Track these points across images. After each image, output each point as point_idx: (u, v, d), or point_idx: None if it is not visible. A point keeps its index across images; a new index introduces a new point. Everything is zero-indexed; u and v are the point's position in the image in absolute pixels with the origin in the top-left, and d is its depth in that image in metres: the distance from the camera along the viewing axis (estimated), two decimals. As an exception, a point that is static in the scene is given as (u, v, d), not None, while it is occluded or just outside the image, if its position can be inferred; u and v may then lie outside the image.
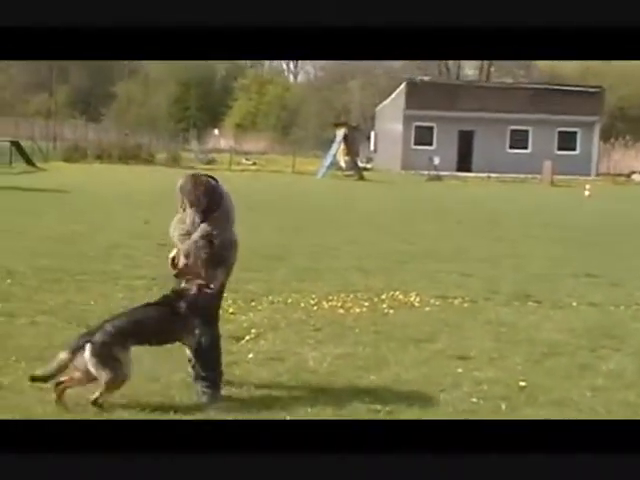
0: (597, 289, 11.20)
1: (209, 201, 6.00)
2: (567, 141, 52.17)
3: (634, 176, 51.04)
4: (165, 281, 7.34)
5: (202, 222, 5.96)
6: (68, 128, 50.78)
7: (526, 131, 52.11)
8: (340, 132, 43.65)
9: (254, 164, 52.96)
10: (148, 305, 6.25)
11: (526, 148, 52.15)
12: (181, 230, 6.10)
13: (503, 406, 5.99)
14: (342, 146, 43.27)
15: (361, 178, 39.76)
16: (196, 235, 5.98)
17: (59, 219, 17.15)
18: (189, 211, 6.03)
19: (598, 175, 51.32)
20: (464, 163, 51.22)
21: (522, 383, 6.53)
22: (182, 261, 6.11)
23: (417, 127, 51.90)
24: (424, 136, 51.84)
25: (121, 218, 17.87)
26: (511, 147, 52.11)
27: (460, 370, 6.95)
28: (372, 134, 60.92)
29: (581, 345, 7.86)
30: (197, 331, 6.12)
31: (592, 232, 19.40)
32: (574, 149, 52.35)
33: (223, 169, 43.03)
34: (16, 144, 34.99)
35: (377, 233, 17.35)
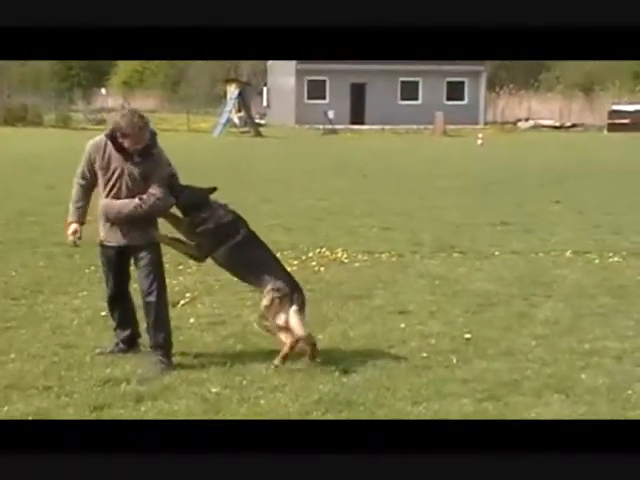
0: (513, 237, 11.52)
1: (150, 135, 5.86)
2: (455, 91, 53.02)
3: (520, 124, 52.46)
4: (86, 247, 7.17)
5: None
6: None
7: (416, 82, 52.66)
8: (234, 88, 43.06)
9: (145, 123, 51.70)
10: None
11: (416, 99, 52.74)
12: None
13: (454, 359, 6.10)
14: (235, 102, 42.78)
15: (258, 134, 39.47)
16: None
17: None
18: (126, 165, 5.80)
19: (486, 124, 52.49)
20: (357, 116, 51.45)
21: (467, 335, 6.67)
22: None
23: (309, 81, 51.78)
24: (317, 90, 51.78)
25: (21, 184, 17.22)
26: (402, 99, 52.60)
27: (403, 325, 7.04)
28: (264, 89, 60.42)
29: (513, 294, 8.08)
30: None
31: (492, 180, 19.89)
32: (462, 99, 53.27)
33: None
34: None
35: (288, 190, 17.30)
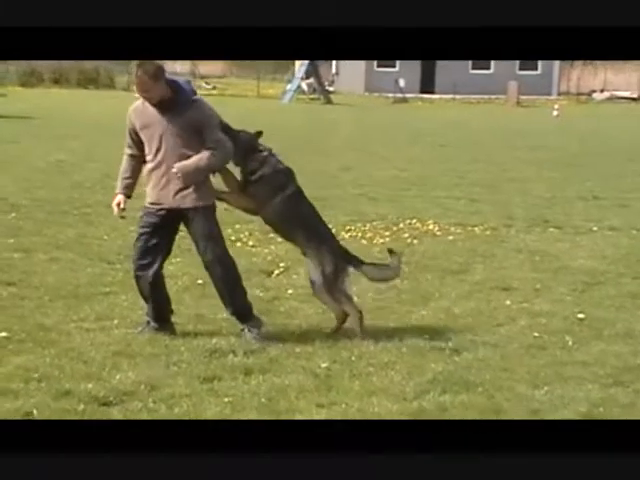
0: (608, 212, 11.11)
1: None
2: (528, 61, 51.73)
3: (595, 95, 51.12)
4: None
5: None
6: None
7: (488, 51, 51.55)
8: (304, 54, 42.73)
9: (214, 88, 51.74)
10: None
11: (488, 69, 51.59)
12: None
13: (570, 340, 5.84)
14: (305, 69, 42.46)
15: (328, 101, 39.14)
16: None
17: (39, 148, 16.50)
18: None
19: (559, 94, 51.24)
20: (427, 85, 50.64)
21: (580, 315, 6.38)
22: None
23: (379, 48, 51.08)
24: (387, 57, 51.12)
25: (101, 146, 17.23)
26: (473, 68, 51.52)
27: (508, 302, 6.78)
28: (333, 55, 59.94)
29: (621, 272, 7.75)
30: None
31: (573, 152, 19.30)
32: (535, 69, 51.94)
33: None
34: (-28, 69, 33.61)
35: (366, 159, 17.03)
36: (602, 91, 51.64)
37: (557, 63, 52.09)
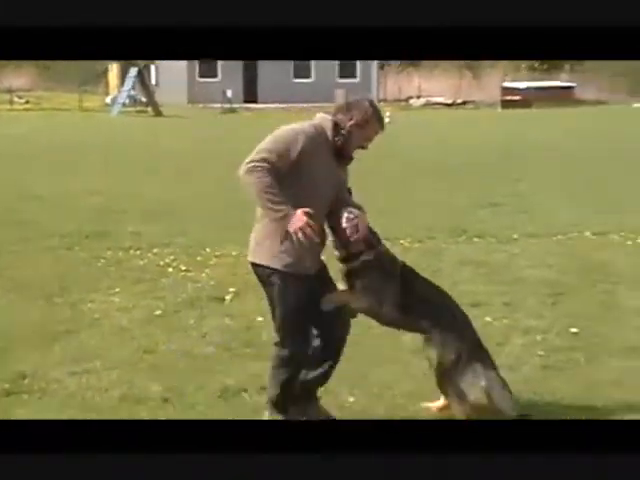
0: (509, 218, 11.23)
1: None
2: (348, 69, 52.91)
3: (412, 101, 52.94)
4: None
5: None
6: None
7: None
8: (133, 68, 41.38)
9: (27, 102, 49.27)
10: None
11: (309, 77, 52.39)
12: None
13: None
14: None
15: (158, 114, 38.12)
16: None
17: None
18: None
19: (379, 101, 52.64)
20: (250, 94, 50.65)
21: (573, 329, 6.30)
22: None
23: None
24: (209, 68, 50.57)
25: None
26: (295, 76, 52.09)
27: (489, 319, 6.57)
28: (152, 67, 58.56)
29: (575, 282, 7.76)
30: None
31: (436, 160, 19.53)
32: (354, 76, 53.25)
33: (5, 109, 39.76)
34: None
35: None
36: (419, 97, 53.53)
37: (375, 70, 53.57)
